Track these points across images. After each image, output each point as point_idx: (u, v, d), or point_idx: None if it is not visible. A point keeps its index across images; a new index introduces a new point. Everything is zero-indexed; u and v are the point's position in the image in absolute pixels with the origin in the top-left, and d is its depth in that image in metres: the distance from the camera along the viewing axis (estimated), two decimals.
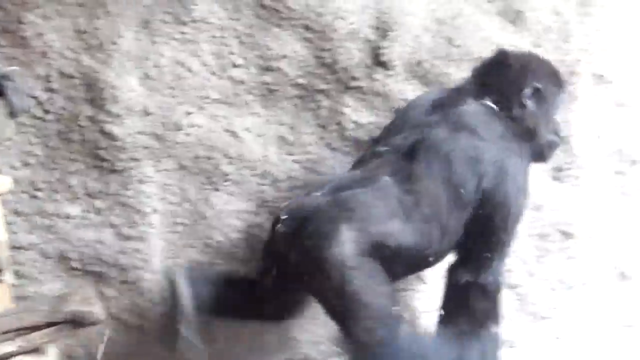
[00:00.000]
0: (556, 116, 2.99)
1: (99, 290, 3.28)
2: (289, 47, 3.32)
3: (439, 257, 2.86)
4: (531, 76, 2.90)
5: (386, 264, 2.65)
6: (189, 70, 3.31)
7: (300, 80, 3.33)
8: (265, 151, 3.34)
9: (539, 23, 3.39)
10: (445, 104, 2.88)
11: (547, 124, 2.94)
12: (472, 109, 2.85)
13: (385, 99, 3.35)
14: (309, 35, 3.33)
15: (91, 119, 3.23)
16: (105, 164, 3.25)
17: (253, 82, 3.33)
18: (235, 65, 3.32)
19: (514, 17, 3.40)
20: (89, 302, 2.77)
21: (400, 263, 2.72)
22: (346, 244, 2.59)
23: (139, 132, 3.26)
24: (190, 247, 3.32)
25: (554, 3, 3.43)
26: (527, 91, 2.89)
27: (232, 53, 3.32)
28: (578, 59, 3.40)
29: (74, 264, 3.30)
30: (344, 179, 2.86)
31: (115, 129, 3.24)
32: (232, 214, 3.33)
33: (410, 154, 2.79)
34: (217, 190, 3.32)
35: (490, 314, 2.88)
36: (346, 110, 3.34)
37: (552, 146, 2.99)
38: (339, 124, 3.35)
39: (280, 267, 2.79)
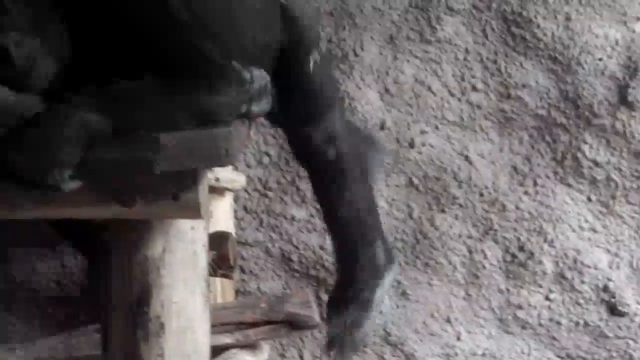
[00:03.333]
0: None
1: (317, 294, 3.34)
2: (531, 76, 3.29)
3: None
4: None
5: None
6: (429, 89, 3.32)
7: (540, 112, 3.30)
8: (495, 179, 3.32)
9: None
10: None
11: None
12: None
13: (627, 140, 3.27)
14: (553, 67, 3.29)
15: None
16: None
17: (491, 108, 3.31)
18: (475, 89, 3.31)
19: None
20: (307, 306, 2.85)
21: None
22: None
23: None
24: (410, 264, 3.34)
25: None
26: None
27: (473, 77, 3.31)
28: None
29: (295, 266, 3.37)
30: None
31: None
32: (455, 238, 3.33)
33: None
34: (443, 212, 3.33)
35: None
36: (585, 147, 3.29)
37: None
38: (575, 160, 3.30)
39: None
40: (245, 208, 3.35)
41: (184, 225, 1.82)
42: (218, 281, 2.83)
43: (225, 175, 2.98)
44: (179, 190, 1.64)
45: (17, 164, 1.52)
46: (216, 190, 2.94)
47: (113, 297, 1.80)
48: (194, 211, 1.67)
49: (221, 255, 2.32)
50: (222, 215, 2.98)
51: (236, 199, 3.28)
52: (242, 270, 3.33)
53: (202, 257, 1.86)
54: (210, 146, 1.62)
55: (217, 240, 2.21)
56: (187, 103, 1.65)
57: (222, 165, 1.70)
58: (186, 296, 1.79)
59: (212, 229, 2.22)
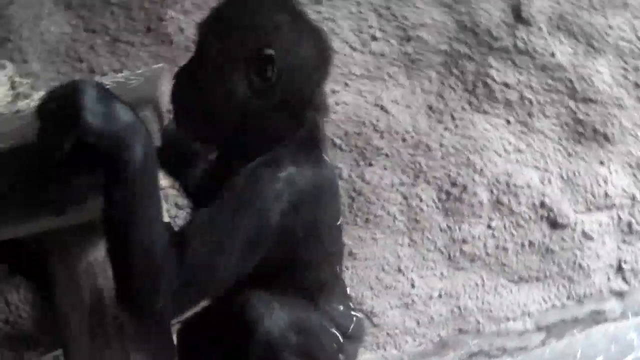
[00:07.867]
0: None
1: None
2: (426, 14, 3.31)
3: None
4: None
5: None
6: None
7: (442, 47, 3.32)
8: (414, 122, 3.33)
9: None
10: None
11: None
12: None
13: (531, 56, 3.32)
14: (446, 0, 3.30)
15: None
16: None
17: (395, 54, 3.32)
18: (375, 39, 3.31)
19: None
20: None
21: None
22: None
23: None
24: (351, 224, 3.33)
25: None
26: None
27: (370, 27, 3.31)
28: None
29: None
30: None
31: None
32: (388, 188, 3.33)
33: None
34: (371, 165, 3.32)
35: None
36: (492, 72, 3.33)
37: None
38: (486, 86, 3.34)
39: None
40: (176, 204, 3.29)
41: None
42: None
43: None
44: None
45: None
46: None
47: (68, 313, 1.74)
48: None
49: None
50: None
51: (166, 198, 3.22)
52: None
53: None
54: None
55: None
56: None
57: None
58: None
59: None
